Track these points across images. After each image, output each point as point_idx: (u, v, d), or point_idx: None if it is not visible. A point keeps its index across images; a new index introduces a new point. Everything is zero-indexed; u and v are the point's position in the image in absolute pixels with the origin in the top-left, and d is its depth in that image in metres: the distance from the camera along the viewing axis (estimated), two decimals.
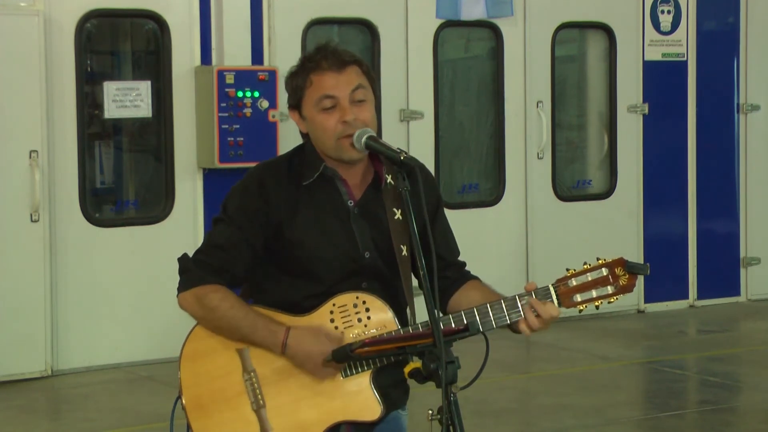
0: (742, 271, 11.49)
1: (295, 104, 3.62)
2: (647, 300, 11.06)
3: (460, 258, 3.85)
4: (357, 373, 3.51)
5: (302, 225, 3.57)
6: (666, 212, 11.17)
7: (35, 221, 8.55)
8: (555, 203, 10.65)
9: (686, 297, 11.29)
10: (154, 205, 9.25)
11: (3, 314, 8.48)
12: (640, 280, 11.58)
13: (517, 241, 10.42)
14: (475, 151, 10.61)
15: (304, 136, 3.69)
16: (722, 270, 11.43)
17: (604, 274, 3.55)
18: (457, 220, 10.18)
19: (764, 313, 11.09)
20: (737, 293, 11.51)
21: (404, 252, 3.61)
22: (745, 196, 11.45)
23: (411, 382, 3.37)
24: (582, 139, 11.18)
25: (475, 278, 3.79)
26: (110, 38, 9.50)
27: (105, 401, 8.17)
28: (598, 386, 8.39)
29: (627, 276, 3.55)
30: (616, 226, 10.85)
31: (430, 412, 3.28)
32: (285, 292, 3.59)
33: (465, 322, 3.49)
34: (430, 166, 9.93)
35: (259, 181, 3.59)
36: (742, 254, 11.47)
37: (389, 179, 3.63)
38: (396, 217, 3.61)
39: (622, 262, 3.56)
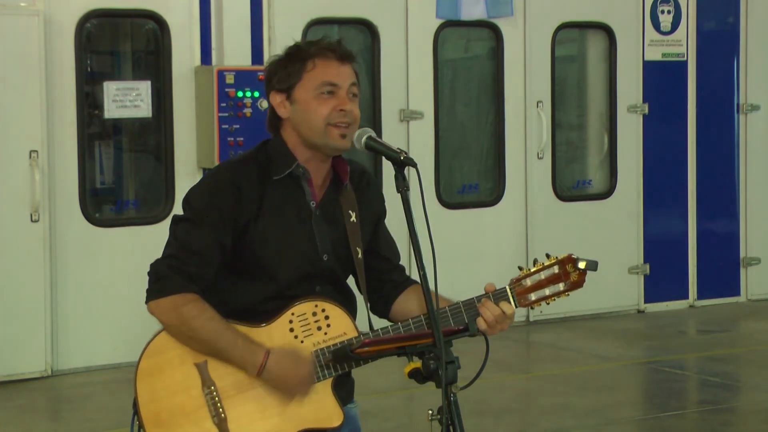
0: (742, 271, 11.49)
1: (286, 88, 3.57)
2: (647, 300, 11.06)
3: (402, 264, 3.85)
4: (318, 381, 3.50)
5: (265, 225, 3.54)
6: (666, 212, 11.17)
7: (35, 221, 8.55)
8: (555, 203, 10.65)
9: (686, 297, 11.29)
10: (154, 205, 9.26)
11: (3, 314, 8.48)
12: (640, 280, 11.65)
13: (517, 241, 10.41)
14: (475, 151, 10.61)
15: (275, 124, 3.63)
16: (722, 270, 11.43)
17: (556, 271, 3.61)
18: (457, 220, 10.29)
19: (764, 313, 11.09)
20: (737, 293, 11.51)
21: (360, 255, 3.62)
22: (745, 196, 11.45)
23: (410, 382, 3.37)
24: (582, 139, 11.17)
25: (417, 283, 3.78)
26: (110, 38, 9.50)
27: (105, 401, 8.17)
28: (598, 386, 8.39)
29: (577, 272, 3.60)
30: (616, 226, 10.85)
31: (430, 412, 3.28)
32: (239, 294, 3.56)
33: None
34: (430, 166, 9.99)
35: (231, 180, 3.54)
36: (742, 254, 11.48)
37: (348, 184, 3.64)
38: (351, 220, 3.62)
39: (572, 260, 3.61)
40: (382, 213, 3.76)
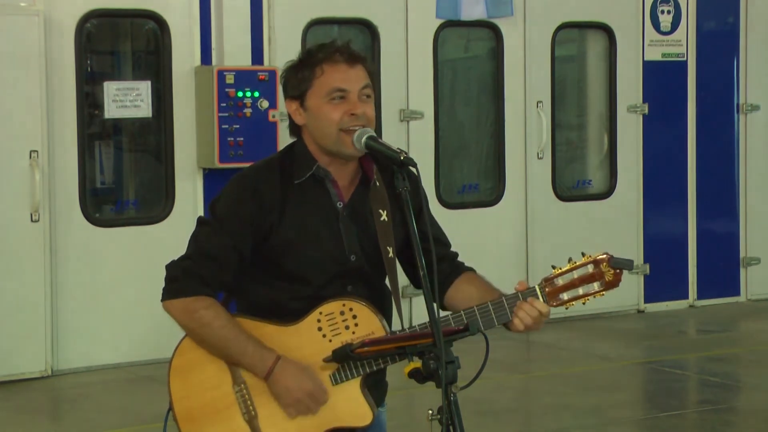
0: (742, 271, 11.49)
1: (299, 95, 3.59)
2: (647, 300, 11.06)
3: (454, 251, 3.83)
4: (347, 379, 3.51)
5: (290, 227, 3.55)
6: (666, 212, 11.17)
7: (35, 221, 8.55)
8: (555, 203, 10.66)
9: (686, 297, 11.29)
10: (154, 205, 9.26)
11: (3, 314, 8.48)
12: (640, 280, 11.64)
13: (517, 241, 10.41)
14: (475, 151, 10.61)
15: (296, 130, 3.66)
16: (722, 270, 11.43)
17: (590, 271, 3.56)
18: (457, 220, 10.31)
19: (764, 313, 11.09)
20: (737, 293, 11.51)
21: (390, 254, 3.60)
22: (745, 196, 11.45)
23: (410, 382, 3.37)
24: (582, 139, 11.18)
25: (470, 270, 3.78)
26: (110, 38, 9.50)
27: (105, 401, 8.17)
28: (598, 386, 8.39)
29: (612, 272, 3.56)
30: (616, 226, 10.85)
31: (430, 412, 3.28)
32: (270, 294, 3.58)
33: (465, 321, 3.50)
34: (430, 166, 9.99)
35: (253, 186, 3.57)
36: (742, 254, 11.48)
37: (377, 180, 3.62)
38: (382, 219, 3.60)
39: (607, 258, 3.56)
40: (421, 205, 3.61)
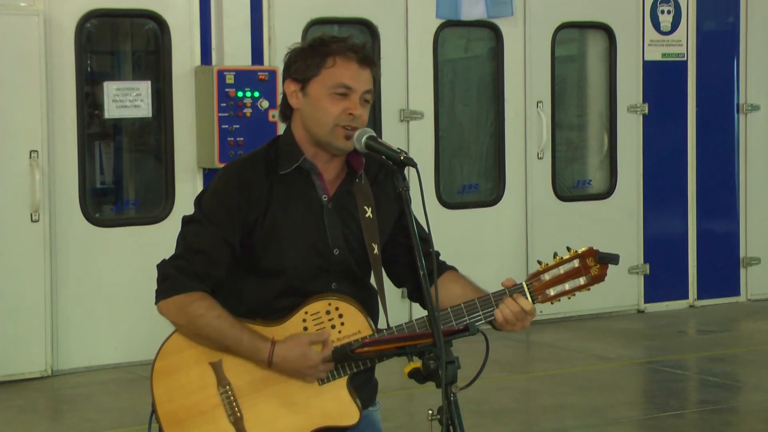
0: (742, 271, 11.50)
1: (303, 79, 3.56)
2: (647, 300, 11.06)
3: (436, 250, 3.81)
4: (334, 379, 3.51)
5: (275, 218, 3.53)
6: (666, 212, 11.17)
7: (35, 221, 8.56)
8: (555, 203, 10.65)
9: (686, 297, 11.29)
10: (154, 205, 9.26)
11: (3, 314, 8.48)
12: (640, 280, 11.63)
13: (517, 241, 10.41)
14: (475, 151, 10.61)
15: (287, 113, 3.63)
16: (722, 270, 11.43)
17: (576, 265, 3.56)
18: (457, 220, 10.30)
19: (764, 313, 11.09)
20: (737, 293, 11.51)
21: (376, 251, 3.59)
22: (745, 196, 11.45)
23: (410, 382, 3.37)
24: (582, 139, 11.18)
25: (452, 269, 3.76)
26: (110, 38, 9.50)
27: (105, 401, 8.17)
28: (598, 386, 8.39)
29: (598, 266, 3.55)
30: (616, 226, 10.85)
31: (430, 412, 3.28)
32: (254, 292, 3.56)
33: (452, 318, 3.50)
34: (430, 166, 9.99)
35: (239, 176, 3.55)
36: (742, 254, 11.48)
37: (363, 177, 3.61)
38: (367, 216, 3.60)
39: (593, 253, 3.56)
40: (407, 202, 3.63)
